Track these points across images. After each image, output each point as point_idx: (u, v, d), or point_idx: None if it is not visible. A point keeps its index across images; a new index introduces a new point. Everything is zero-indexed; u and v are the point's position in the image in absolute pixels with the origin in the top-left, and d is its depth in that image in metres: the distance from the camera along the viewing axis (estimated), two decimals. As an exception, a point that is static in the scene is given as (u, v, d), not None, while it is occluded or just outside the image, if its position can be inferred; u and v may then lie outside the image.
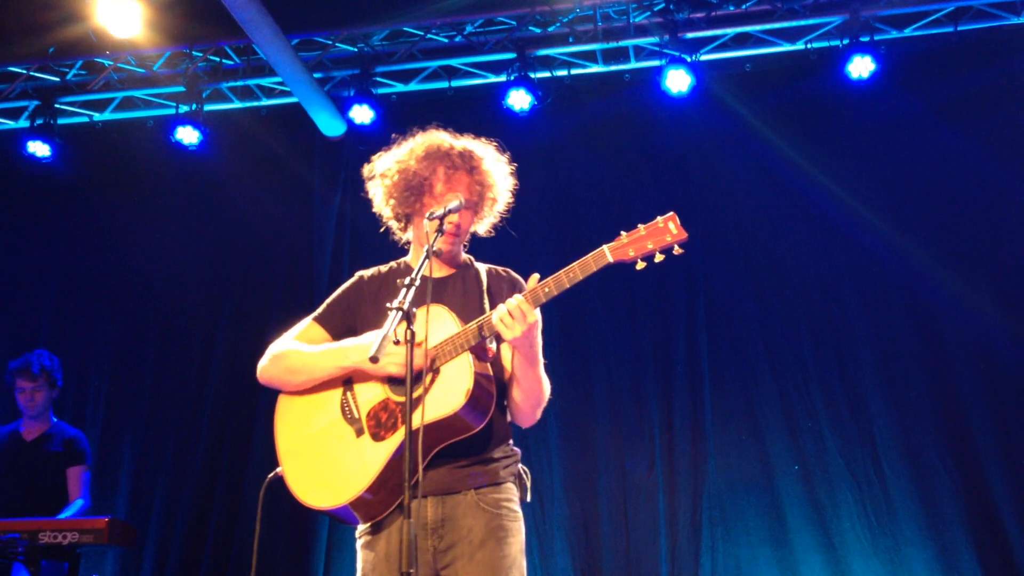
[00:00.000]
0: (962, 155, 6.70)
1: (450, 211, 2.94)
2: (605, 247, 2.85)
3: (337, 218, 7.47)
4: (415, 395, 2.82)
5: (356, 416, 2.98)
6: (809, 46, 6.95)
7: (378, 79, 7.45)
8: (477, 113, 7.17)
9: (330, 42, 7.30)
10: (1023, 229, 6.57)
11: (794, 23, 6.86)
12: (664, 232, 2.83)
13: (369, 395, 2.99)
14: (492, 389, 2.92)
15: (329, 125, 7.45)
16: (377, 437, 2.92)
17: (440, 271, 3.17)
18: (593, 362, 6.88)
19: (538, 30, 7.12)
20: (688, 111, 7.04)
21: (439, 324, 2.92)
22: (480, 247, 3.31)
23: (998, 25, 6.79)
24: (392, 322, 2.58)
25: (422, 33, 7.22)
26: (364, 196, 3.26)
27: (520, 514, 3.04)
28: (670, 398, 6.72)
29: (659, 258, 2.84)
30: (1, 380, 6.07)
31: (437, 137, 3.16)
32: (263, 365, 3.14)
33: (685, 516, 6.49)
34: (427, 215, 2.91)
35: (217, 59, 7.48)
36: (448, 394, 2.84)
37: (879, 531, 6.26)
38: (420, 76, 7.47)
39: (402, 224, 3.23)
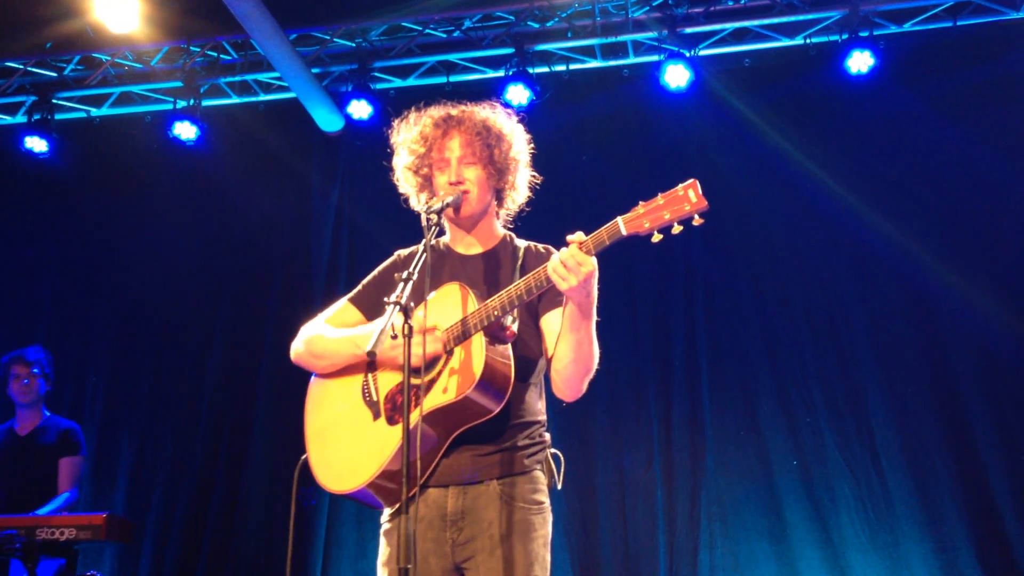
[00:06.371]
0: (961, 150, 6.69)
1: (447, 205, 2.90)
2: (619, 219, 2.64)
3: (335, 213, 7.44)
4: (428, 378, 2.79)
5: (375, 399, 2.93)
6: (808, 41, 6.94)
7: (376, 74, 7.43)
8: (475, 109, 7.16)
9: (328, 37, 7.29)
10: (1021, 224, 6.57)
11: (793, 18, 6.84)
12: (683, 200, 2.62)
13: (388, 378, 2.93)
14: (508, 371, 2.79)
15: (327, 120, 7.44)
16: (392, 420, 2.85)
17: (471, 248, 3.10)
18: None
19: (536, 25, 7.12)
20: (687, 106, 7.03)
21: (451, 305, 2.84)
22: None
23: (997, 20, 6.77)
24: (388, 316, 2.55)
25: (420, 28, 7.21)
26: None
27: (546, 505, 2.93)
28: (668, 394, 6.71)
29: (677, 229, 2.62)
30: None
31: (420, 121, 3.09)
32: (295, 347, 3.13)
33: (683, 512, 6.48)
34: (424, 208, 2.85)
35: (215, 54, 7.47)
36: (459, 377, 2.75)
37: (877, 526, 6.26)
38: (418, 71, 7.46)
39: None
